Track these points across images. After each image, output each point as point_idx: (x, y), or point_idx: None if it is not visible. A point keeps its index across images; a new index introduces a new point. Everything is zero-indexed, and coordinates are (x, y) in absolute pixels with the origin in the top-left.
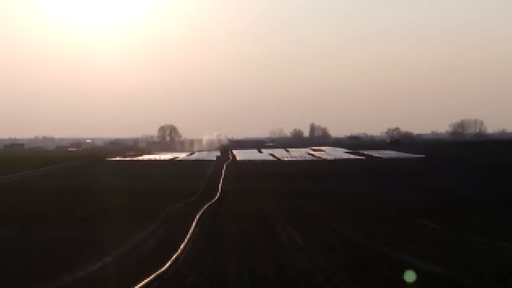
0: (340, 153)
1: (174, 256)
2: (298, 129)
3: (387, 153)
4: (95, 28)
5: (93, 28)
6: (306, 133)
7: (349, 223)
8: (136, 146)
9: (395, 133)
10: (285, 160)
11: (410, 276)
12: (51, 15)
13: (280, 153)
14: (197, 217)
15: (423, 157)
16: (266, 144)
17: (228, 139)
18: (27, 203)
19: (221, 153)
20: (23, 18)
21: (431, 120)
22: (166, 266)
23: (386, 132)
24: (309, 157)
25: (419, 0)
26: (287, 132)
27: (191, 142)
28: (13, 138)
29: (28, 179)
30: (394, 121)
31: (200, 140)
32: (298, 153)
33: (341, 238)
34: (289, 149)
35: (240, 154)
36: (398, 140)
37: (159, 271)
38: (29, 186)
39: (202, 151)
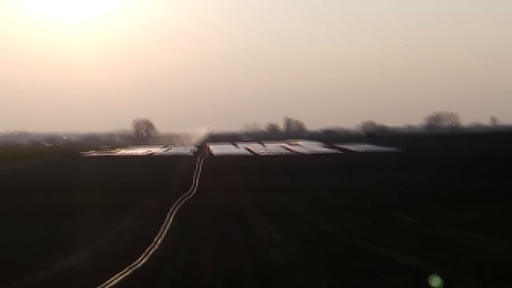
0: (316, 147)
1: (151, 251)
2: (274, 123)
3: (363, 147)
4: (68, 21)
5: (65, 22)
6: (281, 127)
7: (325, 217)
8: (111, 141)
9: (370, 126)
10: (261, 154)
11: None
12: (22, 8)
13: (256, 147)
14: (173, 211)
15: (399, 150)
16: (242, 138)
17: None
18: (1, 199)
19: (197, 148)
20: None
21: (404, 113)
22: (142, 261)
23: (363, 126)
24: (285, 151)
25: None
26: (262, 126)
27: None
28: None
29: (3, 174)
30: (368, 114)
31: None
32: (274, 147)
33: (317, 232)
34: (265, 143)
35: (216, 149)
36: (374, 134)
37: (135, 265)
38: (4, 181)
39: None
